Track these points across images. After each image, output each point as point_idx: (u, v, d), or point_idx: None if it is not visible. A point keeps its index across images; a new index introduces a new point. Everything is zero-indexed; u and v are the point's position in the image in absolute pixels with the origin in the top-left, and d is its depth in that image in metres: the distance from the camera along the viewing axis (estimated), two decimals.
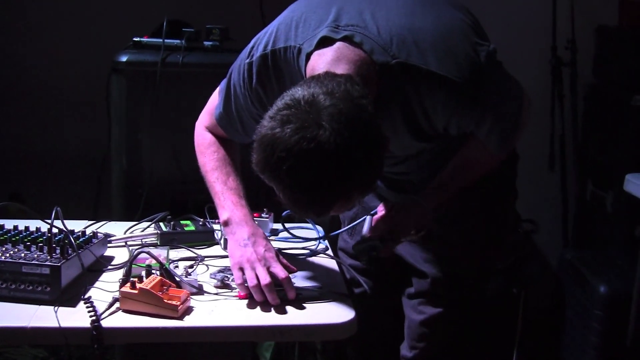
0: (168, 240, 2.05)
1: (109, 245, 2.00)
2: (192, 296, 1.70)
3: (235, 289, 1.77)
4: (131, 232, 2.14)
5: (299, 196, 1.43)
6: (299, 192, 1.41)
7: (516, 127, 1.73)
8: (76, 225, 1.97)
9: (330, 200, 1.44)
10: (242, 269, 1.74)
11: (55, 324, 1.55)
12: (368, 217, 1.90)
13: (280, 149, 1.37)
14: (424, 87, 1.55)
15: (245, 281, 1.70)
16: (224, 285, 1.79)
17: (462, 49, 1.56)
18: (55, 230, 1.76)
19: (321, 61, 1.54)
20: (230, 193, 1.88)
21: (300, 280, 1.78)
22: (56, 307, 1.60)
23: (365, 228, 1.88)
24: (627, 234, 3.13)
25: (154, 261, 1.75)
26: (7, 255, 1.67)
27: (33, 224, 1.90)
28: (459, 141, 1.78)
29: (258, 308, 1.69)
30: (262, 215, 2.21)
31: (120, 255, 1.98)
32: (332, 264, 2.01)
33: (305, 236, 2.19)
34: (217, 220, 2.19)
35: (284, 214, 2.12)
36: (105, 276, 1.83)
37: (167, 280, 1.69)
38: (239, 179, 1.91)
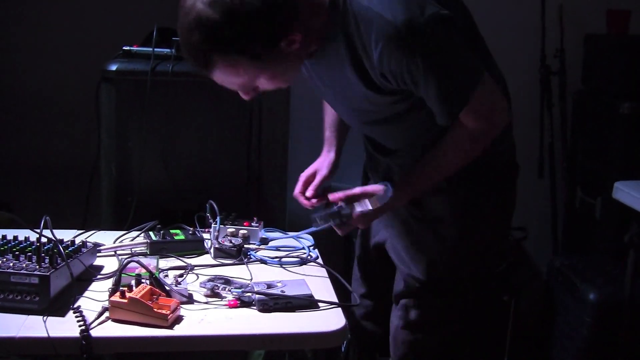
0: (158, 250, 2.05)
1: (98, 254, 1.99)
2: (182, 305, 1.70)
3: (225, 297, 1.77)
4: (121, 242, 2.14)
5: (184, 50, 1.63)
6: (183, 44, 1.62)
7: (464, 101, 1.68)
8: (65, 235, 1.97)
9: (203, 53, 1.60)
10: None
11: (44, 334, 1.54)
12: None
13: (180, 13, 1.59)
14: (362, 20, 1.63)
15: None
16: (213, 294, 1.78)
17: (407, 1, 1.61)
18: (44, 239, 1.75)
19: None
20: (326, 130, 2.16)
21: (290, 288, 1.78)
22: (45, 317, 1.60)
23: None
24: (615, 240, 3.14)
25: (143, 270, 1.74)
26: None
27: (22, 234, 1.89)
28: (433, 124, 1.78)
29: (248, 317, 1.70)
30: (252, 224, 2.22)
31: (109, 264, 1.97)
32: (323, 272, 2.01)
33: (295, 244, 2.20)
34: (206, 230, 2.20)
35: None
36: (94, 285, 1.83)
37: (157, 290, 1.69)
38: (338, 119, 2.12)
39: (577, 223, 3.52)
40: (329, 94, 1.92)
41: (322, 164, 2.11)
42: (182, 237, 2.12)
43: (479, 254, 1.98)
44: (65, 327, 1.58)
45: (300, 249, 2.17)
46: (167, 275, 1.83)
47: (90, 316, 1.61)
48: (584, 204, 3.45)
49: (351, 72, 1.71)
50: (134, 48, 2.56)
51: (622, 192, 2.62)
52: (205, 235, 2.17)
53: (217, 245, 2.06)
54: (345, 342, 1.80)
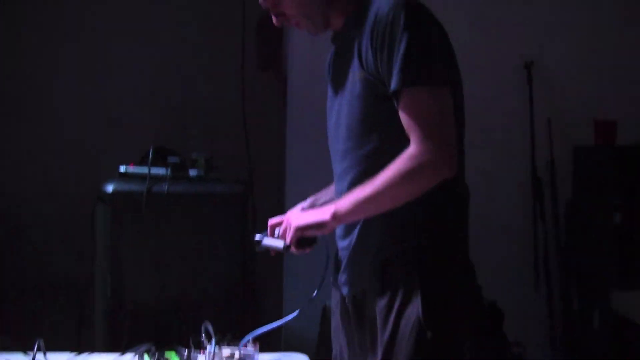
0: None
1: None
2: None
3: None
4: None
5: None
6: None
7: (421, 77, 1.68)
8: (59, 358, 1.94)
9: None
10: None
11: None
12: None
13: None
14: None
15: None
16: None
17: None
18: None
19: None
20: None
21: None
22: None
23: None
24: (614, 349, 3.11)
25: None
26: None
27: (14, 358, 1.87)
28: None
29: None
30: (248, 347, 2.19)
31: None
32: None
33: None
34: (201, 351, 2.17)
35: None
36: None
37: None
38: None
39: (574, 333, 3.48)
40: (331, 106, 1.92)
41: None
42: (177, 359, 2.10)
43: None
44: None
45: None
46: None
47: None
48: (581, 314, 3.42)
49: (355, 61, 1.77)
50: (130, 168, 2.60)
51: (619, 302, 2.61)
52: (200, 357, 2.14)
53: None
54: None
